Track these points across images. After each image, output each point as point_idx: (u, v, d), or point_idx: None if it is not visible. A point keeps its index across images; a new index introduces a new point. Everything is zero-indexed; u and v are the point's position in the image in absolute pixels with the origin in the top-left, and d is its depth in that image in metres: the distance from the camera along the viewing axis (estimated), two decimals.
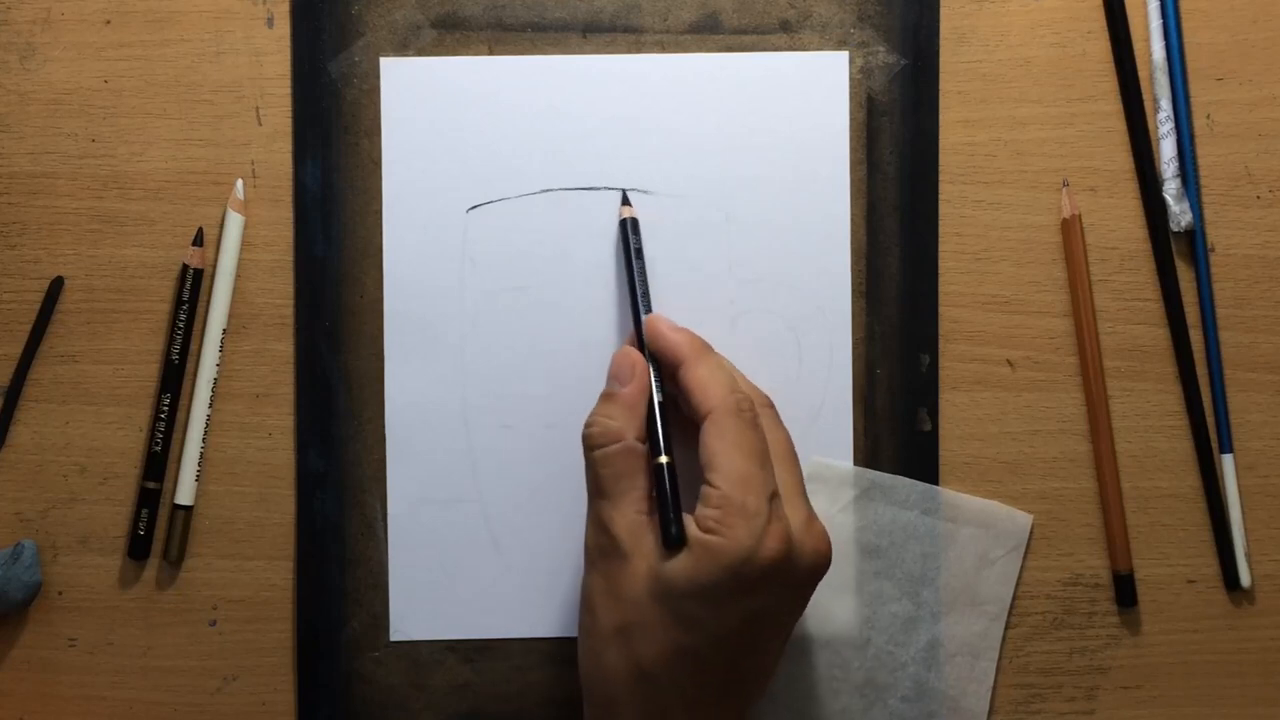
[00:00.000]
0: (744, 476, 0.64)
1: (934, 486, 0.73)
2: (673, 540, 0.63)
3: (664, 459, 0.66)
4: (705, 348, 0.69)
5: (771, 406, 0.69)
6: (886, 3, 0.73)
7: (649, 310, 0.70)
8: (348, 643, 0.73)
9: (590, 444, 0.67)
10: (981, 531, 0.73)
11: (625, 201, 0.72)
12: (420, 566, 0.73)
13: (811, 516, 0.66)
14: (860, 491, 0.73)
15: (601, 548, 0.66)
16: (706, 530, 0.63)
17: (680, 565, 0.63)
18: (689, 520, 0.64)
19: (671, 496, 0.65)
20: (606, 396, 0.68)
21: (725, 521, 0.63)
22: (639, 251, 0.71)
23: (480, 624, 0.73)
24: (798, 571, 0.64)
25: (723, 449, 0.64)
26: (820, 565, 0.65)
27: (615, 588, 0.65)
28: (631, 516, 0.65)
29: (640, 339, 0.69)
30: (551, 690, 0.73)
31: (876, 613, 0.73)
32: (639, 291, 0.70)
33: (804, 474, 0.72)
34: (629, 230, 0.71)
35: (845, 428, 0.73)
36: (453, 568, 0.73)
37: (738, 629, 0.64)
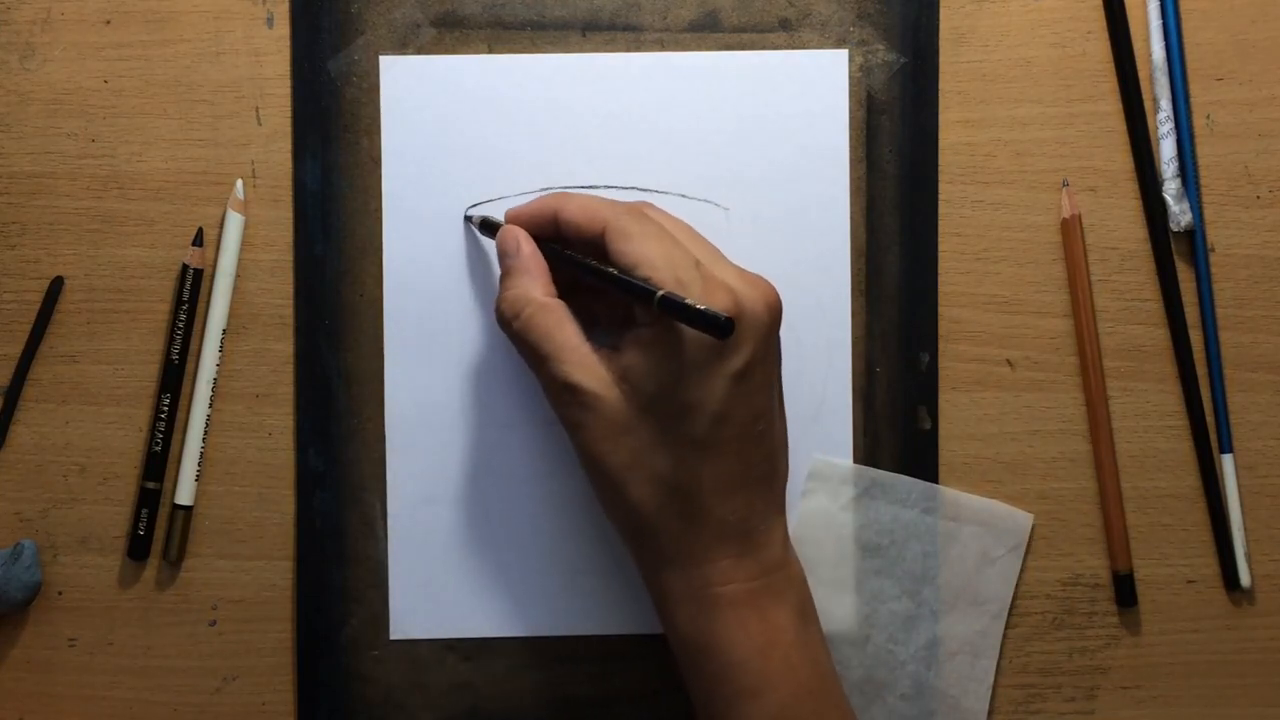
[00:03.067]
0: (664, 257, 0.64)
1: (935, 485, 0.73)
2: (726, 327, 0.60)
3: (663, 291, 0.62)
4: (560, 193, 0.70)
5: (652, 204, 0.69)
6: (886, 1, 0.73)
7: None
8: (347, 642, 0.73)
9: (505, 319, 0.66)
10: (982, 530, 0.73)
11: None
12: (420, 565, 0.73)
13: (742, 271, 0.66)
14: (861, 490, 0.73)
15: (571, 404, 0.65)
16: (653, 321, 0.63)
17: (647, 367, 0.63)
18: (633, 333, 0.64)
19: (692, 303, 0.61)
20: (503, 274, 0.68)
21: None
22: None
23: (480, 623, 0.73)
24: (754, 320, 0.64)
25: (632, 246, 0.64)
26: (774, 305, 0.65)
27: (608, 429, 0.64)
28: (582, 360, 0.65)
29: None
30: (551, 689, 0.73)
31: (876, 611, 0.73)
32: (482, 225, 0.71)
33: (806, 472, 0.72)
34: (475, 228, 0.72)
35: (845, 426, 0.73)
36: (452, 566, 0.73)
37: (728, 397, 0.63)
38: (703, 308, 0.61)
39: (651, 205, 0.69)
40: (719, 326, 0.60)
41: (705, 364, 0.63)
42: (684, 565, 0.65)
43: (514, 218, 0.70)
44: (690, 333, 0.62)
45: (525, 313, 0.66)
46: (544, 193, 0.72)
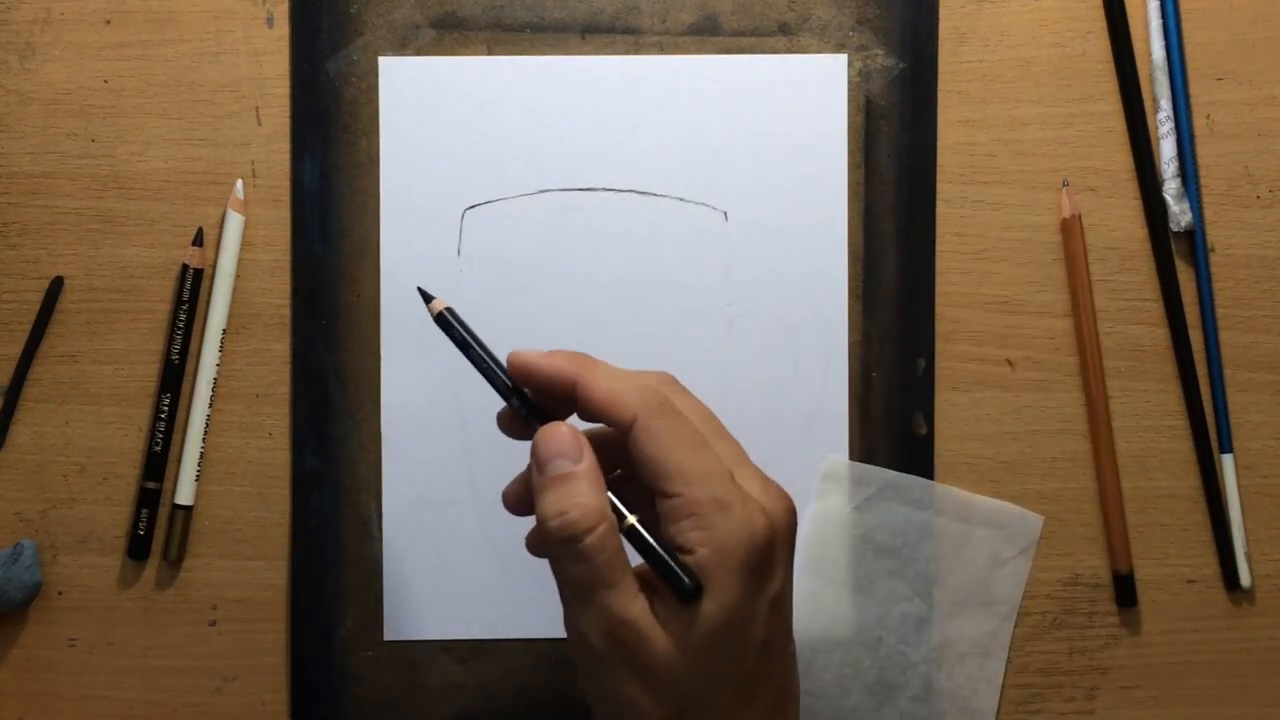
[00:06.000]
0: (700, 472, 0.58)
1: (947, 487, 0.73)
2: (690, 592, 0.57)
3: (634, 518, 0.59)
4: (587, 357, 0.61)
5: (673, 380, 0.62)
6: (885, 5, 0.73)
7: (507, 376, 0.62)
8: (342, 642, 0.73)
9: (575, 533, 0.58)
10: (994, 532, 0.73)
11: (427, 299, 0.64)
12: (415, 566, 0.73)
13: (764, 478, 0.61)
14: (874, 491, 0.73)
15: (625, 643, 0.58)
16: (692, 548, 0.58)
17: (696, 606, 0.58)
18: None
19: (664, 548, 0.58)
20: (562, 479, 0.59)
21: (705, 525, 0.58)
22: (465, 341, 0.63)
23: (474, 624, 0.73)
24: (786, 539, 0.60)
25: (664, 452, 0.58)
26: (794, 522, 0.60)
27: (657, 674, 0.58)
28: (637, 597, 0.58)
29: (521, 408, 0.62)
30: (544, 691, 0.73)
31: (888, 612, 0.73)
32: (489, 368, 0.62)
33: (820, 472, 0.72)
34: (452, 321, 0.63)
35: (841, 431, 0.73)
36: (447, 568, 0.73)
37: (769, 623, 0.59)
38: (674, 565, 0.57)
39: (674, 383, 0.62)
40: (683, 591, 0.57)
41: (751, 595, 0.58)
42: None
43: (525, 368, 0.61)
44: (736, 560, 0.57)
45: (600, 530, 0.58)
46: (544, 195, 0.72)
